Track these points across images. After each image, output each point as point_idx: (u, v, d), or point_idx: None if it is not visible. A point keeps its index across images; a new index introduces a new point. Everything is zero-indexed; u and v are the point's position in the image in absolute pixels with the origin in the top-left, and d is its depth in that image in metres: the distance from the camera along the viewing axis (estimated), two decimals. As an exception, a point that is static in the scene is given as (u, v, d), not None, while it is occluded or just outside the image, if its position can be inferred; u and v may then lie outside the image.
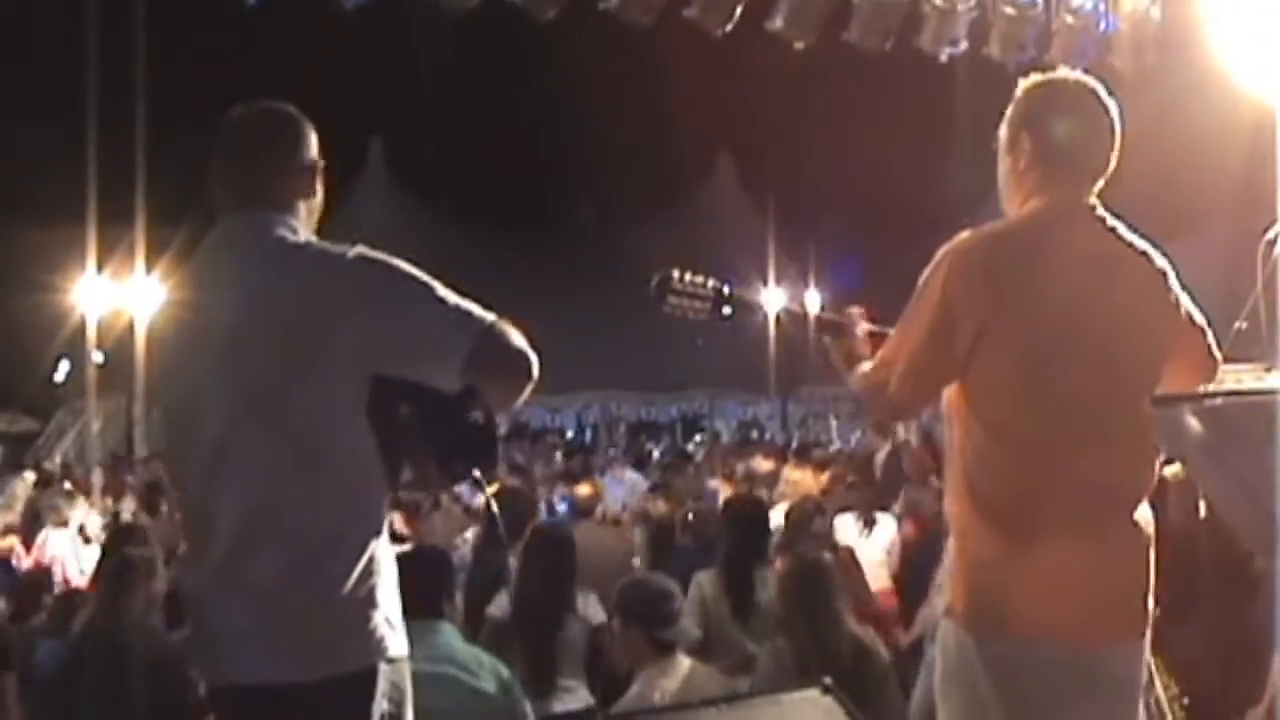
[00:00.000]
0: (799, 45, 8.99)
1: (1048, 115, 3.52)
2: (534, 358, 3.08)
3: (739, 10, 8.63)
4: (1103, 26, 9.02)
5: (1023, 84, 3.57)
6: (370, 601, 3.08)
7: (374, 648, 3.07)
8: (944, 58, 9.20)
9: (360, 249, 3.15)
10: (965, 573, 3.41)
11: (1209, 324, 3.53)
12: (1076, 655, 3.29)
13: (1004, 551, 3.31)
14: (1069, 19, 9.01)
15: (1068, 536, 3.28)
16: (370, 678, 3.06)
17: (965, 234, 3.41)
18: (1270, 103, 5.97)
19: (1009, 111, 3.57)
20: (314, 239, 3.26)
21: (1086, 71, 3.61)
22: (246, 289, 3.12)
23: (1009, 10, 9.02)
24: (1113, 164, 3.49)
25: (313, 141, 3.38)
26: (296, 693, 3.02)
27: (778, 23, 8.90)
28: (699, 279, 3.78)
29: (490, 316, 3.08)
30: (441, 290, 3.10)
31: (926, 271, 3.41)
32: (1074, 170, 3.47)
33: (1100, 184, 3.49)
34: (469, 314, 3.07)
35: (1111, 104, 3.50)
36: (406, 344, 3.07)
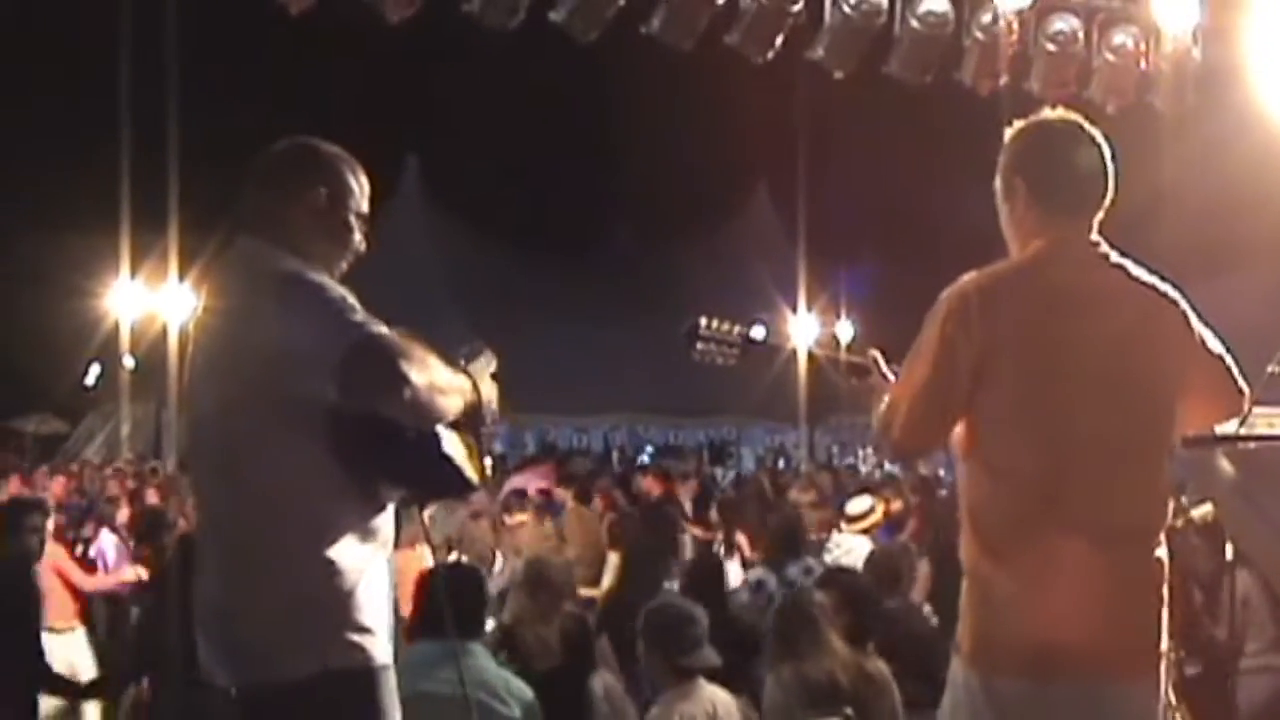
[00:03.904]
0: (838, 75, 9.02)
1: (1038, 157, 3.52)
2: (413, 375, 2.99)
3: (780, 39, 8.66)
4: (1143, 65, 9.01)
5: (1010, 130, 3.57)
6: (330, 611, 3.15)
7: (345, 652, 3.14)
8: (985, 92, 9.21)
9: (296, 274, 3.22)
10: (972, 610, 3.40)
11: (1239, 362, 3.51)
12: (1081, 694, 3.27)
13: (1008, 590, 3.30)
14: (1110, 57, 8.99)
15: (1070, 575, 3.26)
16: (337, 682, 3.12)
17: (965, 277, 3.41)
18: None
19: (1001, 159, 3.57)
20: (305, 272, 3.25)
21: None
22: (226, 314, 3.27)
23: (1050, 47, 9.02)
24: (1109, 196, 3.48)
25: (344, 184, 3.41)
26: (263, 694, 3.14)
27: (818, 52, 8.93)
28: (725, 326, 3.86)
29: (363, 333, 3.03)
30: (335, 307, 3.10)
31: (928, 316, 3.42)
32: (1070, 208, 3.47)
33: (1099, 217, 3.48)
34: (344, 329, 3.05)
35: (1099, 137, 3.50)
36: (290, 358, 3.09)
